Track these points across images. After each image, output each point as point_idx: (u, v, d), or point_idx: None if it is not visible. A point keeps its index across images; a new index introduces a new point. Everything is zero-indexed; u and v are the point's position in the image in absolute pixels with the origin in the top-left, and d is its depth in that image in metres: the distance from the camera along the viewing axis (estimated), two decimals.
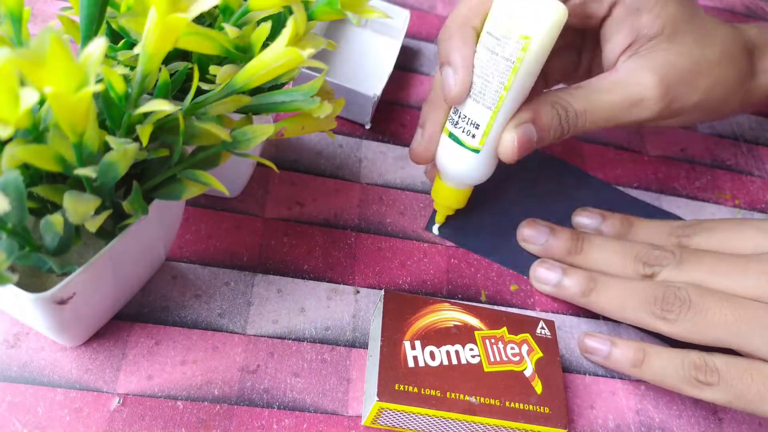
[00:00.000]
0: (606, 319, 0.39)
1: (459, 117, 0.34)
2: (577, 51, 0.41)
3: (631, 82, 0.35)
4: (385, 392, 0.29)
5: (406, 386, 0.30)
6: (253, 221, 0.37)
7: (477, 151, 0.34)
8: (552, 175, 0.46)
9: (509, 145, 0.33)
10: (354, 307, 0.36)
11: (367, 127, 0.43)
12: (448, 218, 0.40)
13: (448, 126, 0.35)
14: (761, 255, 0.34)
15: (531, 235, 0.40)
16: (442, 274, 0.38)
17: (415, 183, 0.42)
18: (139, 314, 0.33)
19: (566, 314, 0.39)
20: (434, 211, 0.40)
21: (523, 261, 0.40)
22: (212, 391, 0.31)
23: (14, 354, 0.30)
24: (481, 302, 0.38)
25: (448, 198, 0.37)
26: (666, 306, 0.33)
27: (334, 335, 0.35)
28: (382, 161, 0.43)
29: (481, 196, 0.42)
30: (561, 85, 0.40)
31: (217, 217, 0.37)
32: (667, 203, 0.46)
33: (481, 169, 0.35)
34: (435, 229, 0.40)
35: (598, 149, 0.48)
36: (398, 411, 0.30)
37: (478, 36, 0.32)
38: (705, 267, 0.35)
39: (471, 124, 0.33)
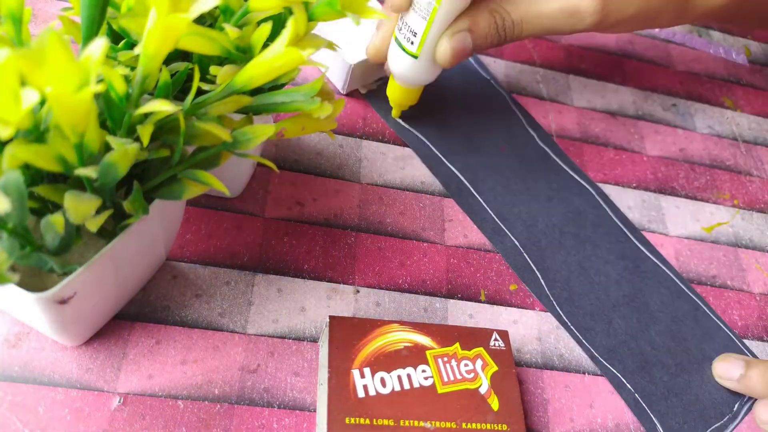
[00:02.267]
0: None
1: (402, 24, 0.37)
2: None
3: None
4: (336, 427, 0.28)
5: (357, 419, 0.29)
6: (254, 221, 0.38)
7: (415, 56, 0.37)
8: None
9: (445, 52, 0.36)
10: (354, 307, 0.36)
11: (343, 93, 0.44)
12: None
13: (396, 31, 0.38)
14: None
15: (725, 369, 0.38)
16: (442, 274, 0.39)
17: (415, 183, 0.42)
18: (139, 314, 0.33)
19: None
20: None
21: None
22: (213, 390, 0.31)
23: (15, 354, 0.30)
24: (480, 302, 0.38)
25: (400, 96, 0.41)
26: None
27: None
28: (382, 161, 0.43)
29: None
30: None
31: (218, 217, 0.37)
32: (666, 203, 0.46)
33: (421, 73, 0.38)
34: (399, 120, 0.44)
35: (598, 149, 0.48)
36: None
37: None
38: None
39: (410, 32, 0.36)
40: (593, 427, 0.35)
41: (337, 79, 0.44)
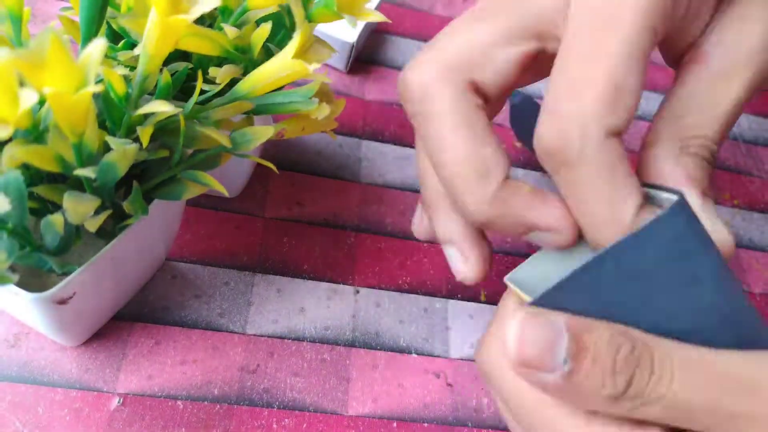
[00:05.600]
0: None
1: None
2: None
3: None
4: None
5: None
6: (253, 221, 0.37)
7: None
8: None
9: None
10: (354, 307, 0.36)
11: (346, 71, 0.46)
12: None
13: None
14: None
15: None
16: (442, 274, 0.39)
17: (415, 183, 0.42)
18: (139, 314, 0.33)
19: None
20: None
21: None
22: (212, 390, 0.31)
23: (14, 354, 0.30)
24: (480, 302, 0.38)
25: None
26: None
27: (333, 335, 0.35)
28: (382, 161, 0.43)
29: None
30: None
31: (217, 217, 0.37)
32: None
33: None
34: None
35: None
36: None
37: None
38: None
39: None
40: None
41: (337, 61, 0.45)
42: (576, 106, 0.20)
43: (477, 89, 0.23)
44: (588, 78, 0.20)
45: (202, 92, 0.25)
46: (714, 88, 0.23)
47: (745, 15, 0.23)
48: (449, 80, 0.22)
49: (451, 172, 0.22)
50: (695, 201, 0.22)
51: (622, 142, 0.21)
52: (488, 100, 0.24)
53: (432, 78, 0.22)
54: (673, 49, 0.25)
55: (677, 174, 0.22)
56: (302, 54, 0.24)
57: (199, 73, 0.23)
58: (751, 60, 0.23)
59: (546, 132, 0.21)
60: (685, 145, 0.22)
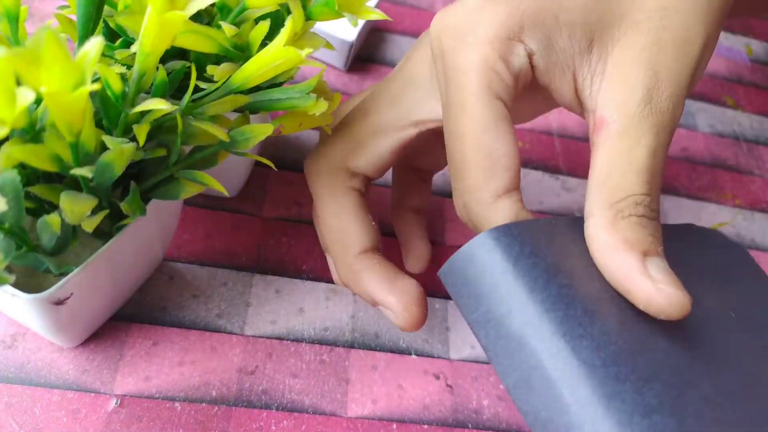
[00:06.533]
0: None
1: None
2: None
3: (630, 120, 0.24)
4: None
5: None
6: (252, 221, 0.37)
7: None
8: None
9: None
10: (353, 308, 0.36)
11: (345, 70, 0.46)
12: None
13: None
14: None
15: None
16: None
17: None
18: (136, 314, 0.32)
19: None
20: None
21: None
22: (210, 392, 0.31)
23: (11, 355, 0.30)
24: None
25: None
26: None
27: (332, 336, 0.34)
28: None
29: None
30: None
31: (215, 217, 0.37)
32: (669, 203, 0.46)
33: None
34: None
35: None
36: None
37: None
38: None
39: None
40: None
41: (336, 59, 0.45)
42: (467, 183, 0.24)
43: (353, 174, 0.29)
44: (463, 157, 0.24)
45: (200, 90, 0.25)
46: (623, 146, 0.24)
47: (623, 64, 0.25)
48: (332, 170, 0.28)
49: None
50: (634, 264, 0.22)
51: (518, 194, 0.24)
52: (369, 178, 0.29)
53: (320, 170, 0.29)
54: (563, 99, 0.26)
55: (614, 243, 0.23)
56: (295, 42, 0.24)
57: (192, 67, 0.23)
58: (643, 112, 0.24)
59: (456, 208, 0.25)
60: (617, 210, 0.23)
